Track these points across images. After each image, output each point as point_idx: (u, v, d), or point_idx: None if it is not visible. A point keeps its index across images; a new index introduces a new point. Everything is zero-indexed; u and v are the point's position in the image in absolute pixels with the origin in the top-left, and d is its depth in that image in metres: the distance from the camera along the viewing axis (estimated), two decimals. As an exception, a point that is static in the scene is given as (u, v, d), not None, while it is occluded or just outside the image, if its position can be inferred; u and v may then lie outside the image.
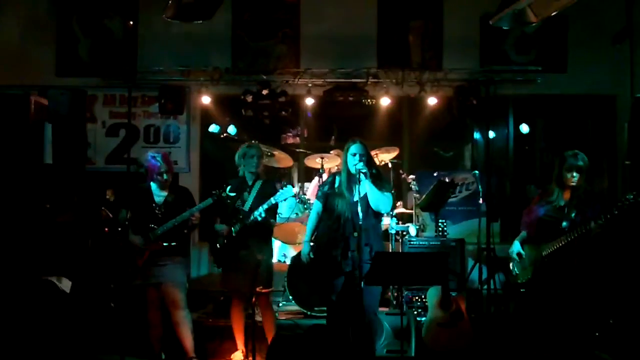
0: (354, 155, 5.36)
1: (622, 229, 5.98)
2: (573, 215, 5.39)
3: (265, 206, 5.82)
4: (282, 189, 5.94)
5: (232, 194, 5.92)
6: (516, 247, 5.69)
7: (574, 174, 5.39)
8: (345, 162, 5.48)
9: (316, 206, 5.72)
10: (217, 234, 6.05)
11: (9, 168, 5.95)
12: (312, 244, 5.69)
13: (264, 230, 6.08)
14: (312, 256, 5.62)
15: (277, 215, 6.57)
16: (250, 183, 6.14)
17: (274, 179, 6.41)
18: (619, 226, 5.29)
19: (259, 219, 5.83)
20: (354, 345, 5.18)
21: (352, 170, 5.35)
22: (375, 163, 5.57)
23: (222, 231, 6.01)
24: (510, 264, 5.76)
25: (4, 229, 5.86)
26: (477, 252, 7.42)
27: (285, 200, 6.05)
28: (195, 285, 8.00)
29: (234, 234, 5.95)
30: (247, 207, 5.98)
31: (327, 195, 5.58)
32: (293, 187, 6.03)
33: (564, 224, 5.39)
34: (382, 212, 5.33)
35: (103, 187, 7.95)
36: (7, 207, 5.92)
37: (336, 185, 5.55)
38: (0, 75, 8.83)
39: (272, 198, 5.86)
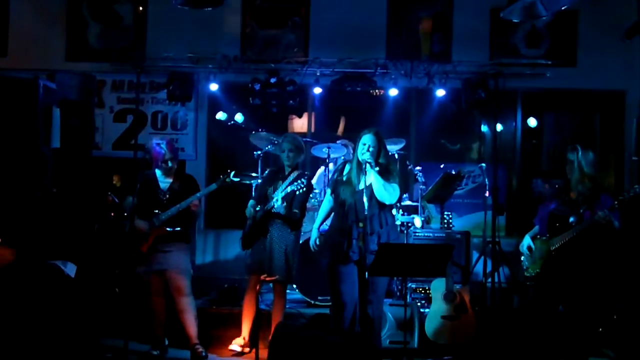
0: (364, 145, 5.35)
1: (627, 222, 5.97)
2: (582, 210, 5.41)
3: (281, 194, 5.80)
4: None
5: (236, 179, 5.94)
6: (527, 240, 5.76)
7: (567, 166, 5.52)
8: (356, 150, 5.48)
9: (327, 193, 5.76)
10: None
11: (17, 151, 5.97)
12: (319, 231, 5.69)
13: (287, 221, 6.02)
14: (318, 243, 5.62)
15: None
16: (286, 173, 6.16)
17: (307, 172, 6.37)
18: (623, 218, 5.31)
19: (276, 205, 5.80)
20: (358, 336, 5.18)
21: (360, 160, 5.35)
22: (387, 155, 5.53)
23: (250, 216, 6.06)
24: (522, 258, 5.81)
25: (10, 213, 5.88)
26: (482, 245, 7.41)
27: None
28: (200, 272, 8.03)
29: (257, 219, 5.99)
30: (277, 194, 5.90)
31: (336, 183, 5.58)
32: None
33: (572, 219, 5.42)
34: (386, 203, 5.31)
35: (110, 173, 7.96)
36: (14, 190, 5.94)
37: (345, 172, 5.56)
38: (10, 59, 8.88)
39: (288, 187, 5.83)
